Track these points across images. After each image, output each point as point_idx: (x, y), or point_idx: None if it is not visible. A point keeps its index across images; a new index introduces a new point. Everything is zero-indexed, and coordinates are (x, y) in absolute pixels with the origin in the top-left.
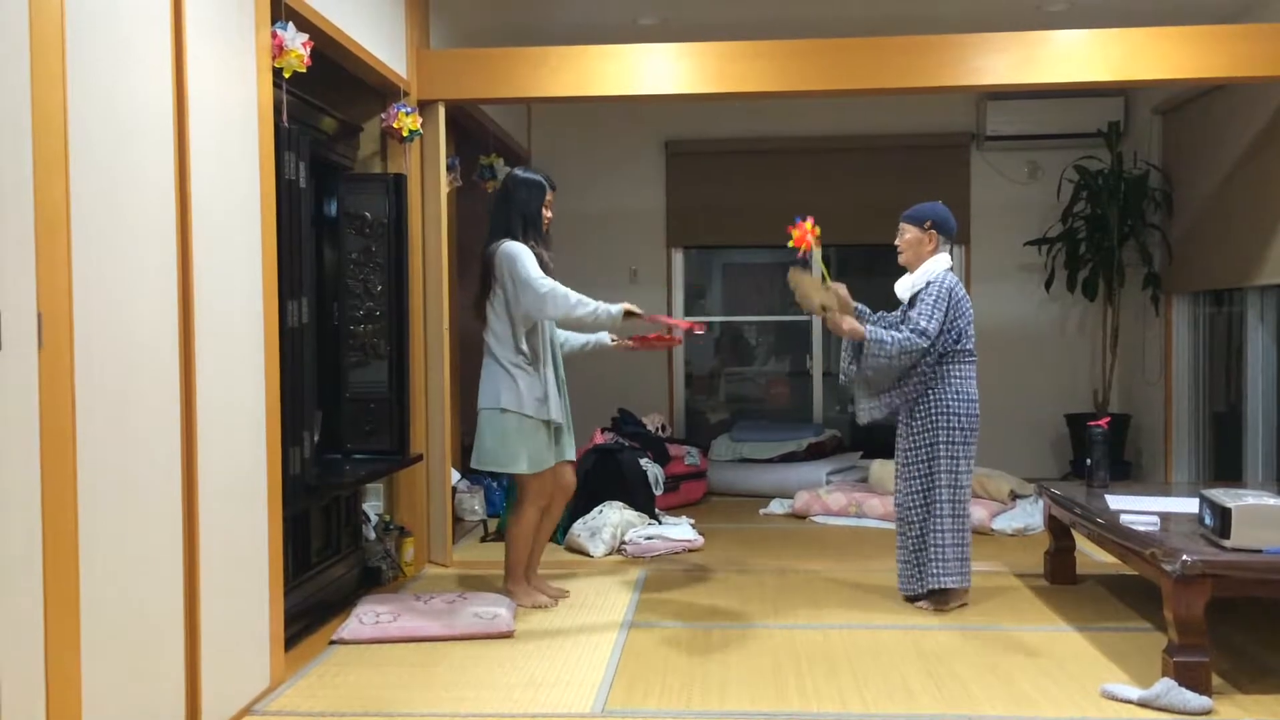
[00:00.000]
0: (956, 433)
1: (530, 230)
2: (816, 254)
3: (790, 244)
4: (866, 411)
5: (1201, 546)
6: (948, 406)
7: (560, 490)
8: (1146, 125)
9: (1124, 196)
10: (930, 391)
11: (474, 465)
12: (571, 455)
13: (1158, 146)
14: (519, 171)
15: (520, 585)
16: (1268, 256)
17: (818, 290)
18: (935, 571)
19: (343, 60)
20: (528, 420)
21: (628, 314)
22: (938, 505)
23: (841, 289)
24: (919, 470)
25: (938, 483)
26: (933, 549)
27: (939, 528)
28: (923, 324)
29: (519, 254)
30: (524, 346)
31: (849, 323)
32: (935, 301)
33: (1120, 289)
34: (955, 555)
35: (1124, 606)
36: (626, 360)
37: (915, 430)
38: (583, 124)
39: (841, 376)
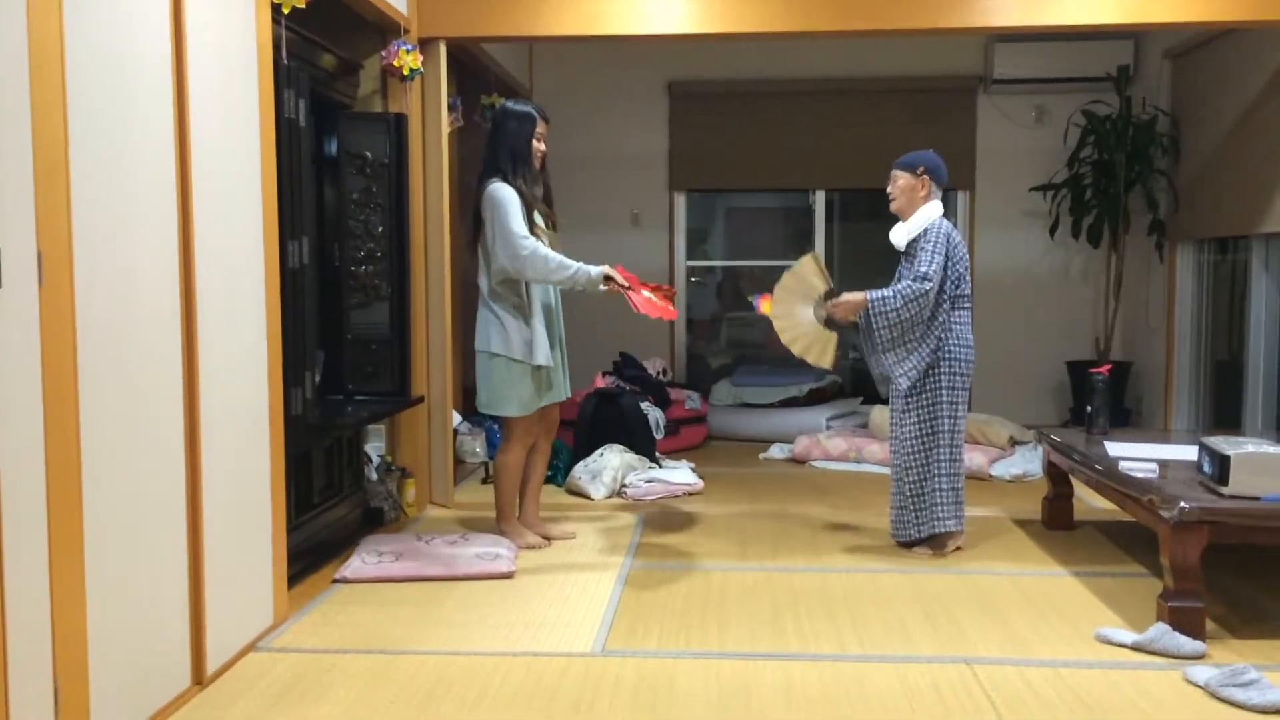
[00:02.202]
0: (957, 378)
1: (520, 166)
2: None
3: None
4: (905, 375)
5: (1199, 494)
6: (949, 352)
7: (545, 429)
8: (1156, 69)
9: (1131, 142)
10: (936, 339)
11: (486, 410)
12: (561, 397)
13: (1167, 91)
14: (509, 103)
15: (512, 524)
16: (1274, 204)
17: (806, 299)
18: (939, 515)
19: None
20: (515, 364)
21: (608, 279)
22: (938, 450)
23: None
24: (920, 415)
25: (939, 428)
26: (933, 494)
27: (939, 472)
28: (922, 269)
29: (504, 202)
30: (511, 290)
31: (847, 299)
32: (934, 247)
33: (1125, 236)
34: (953, 499)
35: (1120, 552)
36: (628, 307)
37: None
38: (585, 64)
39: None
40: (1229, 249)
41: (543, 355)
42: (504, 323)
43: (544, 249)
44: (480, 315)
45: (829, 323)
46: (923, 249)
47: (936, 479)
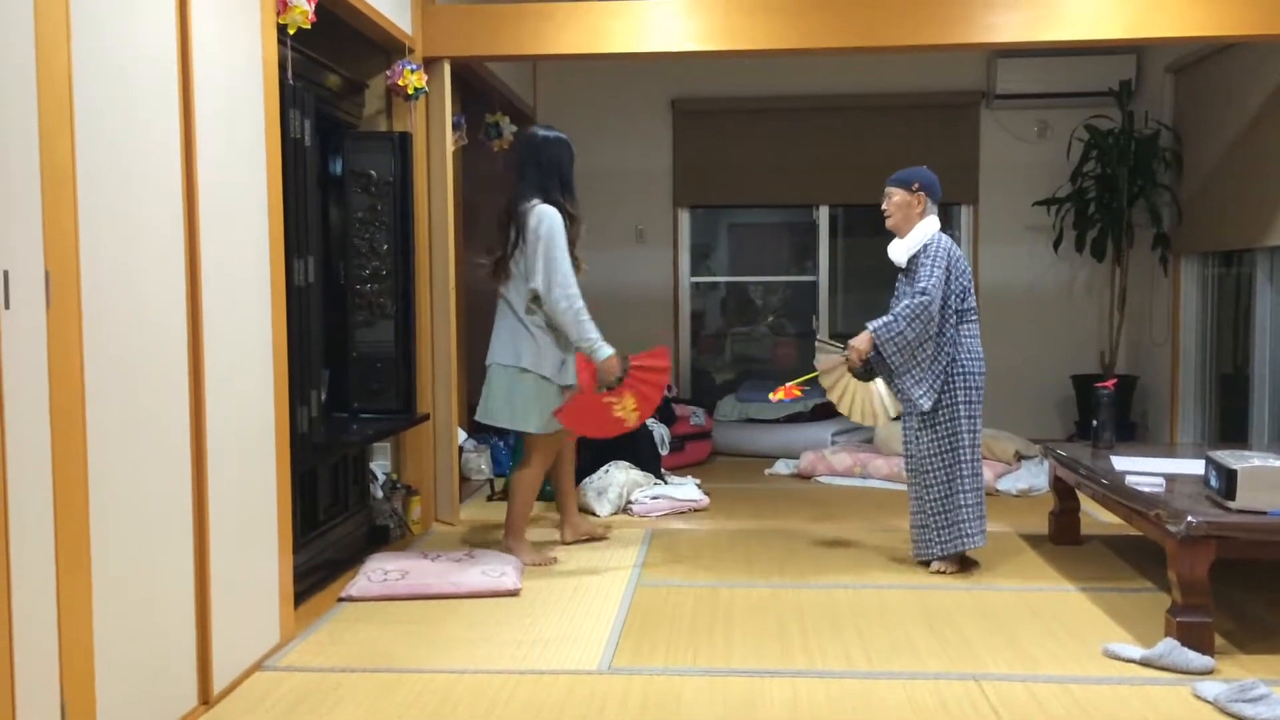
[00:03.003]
0: (973, 391)
1: (568, 194)
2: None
3: (784, 395)
4: (925, 396)
5: (1206, 508)
6: (963, 366)
7: (568, 435)
8: (1158, 84)
9: (1134, 156)
10: (952, 354)
11: (480, 419)
12: None
13: (1169, 106)
14: (548, 132)
15: (522, 542)
16: (1277, 218)
17: (837, 372)
18: (967, 531)
19: (347, 16)
20: (543, 382)
21: (609, 361)
22: (960, 466)
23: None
24: (941, 431)
25: (960, 443)
26: (958, 510)
27: (963, 489)
28: (921, 285)
29: (558, 233)
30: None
31: (854, 342)
32: (934, 262)
33: (1129, 250)
34: (978, 514)
35: (1128, 567)
36: (632, 321)
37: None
38: (589, 82)
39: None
40: (1233, 262)
41: (572, 375)
42: (537, 339)
43: (580, 303)
44: (509, 329)
45: (860, 373)
46: (922, 264)
47: (961, 494)
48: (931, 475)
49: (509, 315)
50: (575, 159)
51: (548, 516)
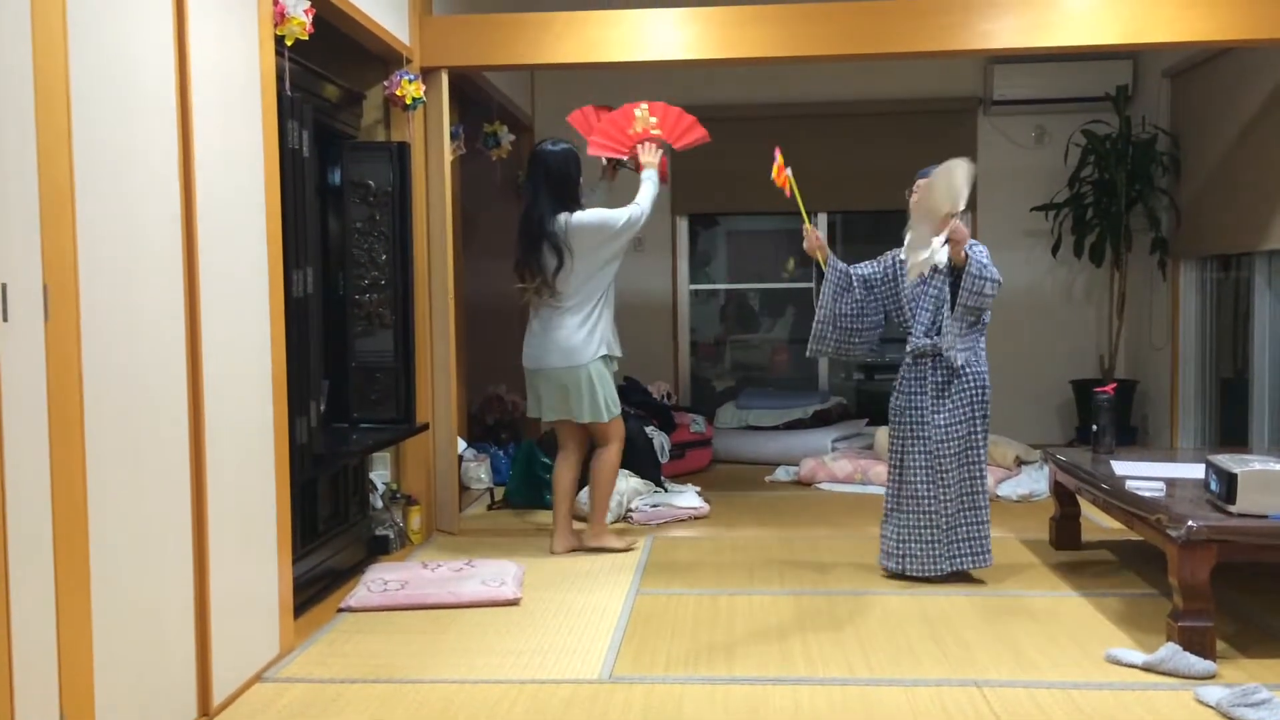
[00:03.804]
0: (987, 405)
1: (574, 205)
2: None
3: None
4: (959, 350)
5: (1207, 512)
6: (981, 377)
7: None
8: (1155, 89)
9: (1132, 161)
10: (966, 362)
11: (593, 420)
12: None
13: (1166, 110)
14: (555, 146)
15: (606, 529)
16: (1275, 221)
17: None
18: (987, 548)
19: (345, 27)
20: (612, 363)
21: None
22: (979, 480)
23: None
24: (959, 444)
25: (978, 457)
26: (979, 526)
27: (981, 504)
28: (990, 269)
29: (594, 216)
30: (608, 294)
31: (964, 230)
32: (988, 259)
33: (1127, 254)
34: (989, 530)
35: (1129, 572)
36: (632, 330)
37: (952, 404)
38: (587, 90)
39: (813, 346)
40: (1231, 266)
41: (617, 344)
42: (598, 329)
43: (635, 210)
44: (567, 334)
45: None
46: (976, 258)
47: (981, 510)
48: (950, 489)
49: (561, 322)
50: (581, 166)
51: (539, 524)
